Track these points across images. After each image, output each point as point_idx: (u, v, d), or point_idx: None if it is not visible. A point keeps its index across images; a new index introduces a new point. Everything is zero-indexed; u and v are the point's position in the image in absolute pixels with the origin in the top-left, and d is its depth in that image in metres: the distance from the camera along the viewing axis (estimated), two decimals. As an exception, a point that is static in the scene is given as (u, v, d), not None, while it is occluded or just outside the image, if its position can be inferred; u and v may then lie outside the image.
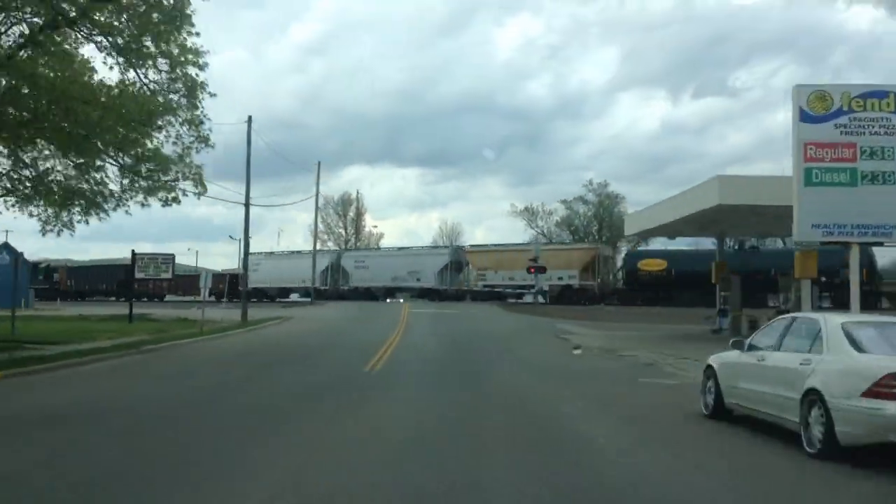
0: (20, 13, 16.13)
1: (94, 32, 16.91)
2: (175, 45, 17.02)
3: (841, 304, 35.83)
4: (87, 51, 18.25)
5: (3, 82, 16.73)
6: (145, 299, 57.16)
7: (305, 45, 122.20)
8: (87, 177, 18.87)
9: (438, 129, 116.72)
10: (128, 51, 16.58)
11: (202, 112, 18.45)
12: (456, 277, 58.33)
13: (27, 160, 19.65)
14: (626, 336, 27.80)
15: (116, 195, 19.33)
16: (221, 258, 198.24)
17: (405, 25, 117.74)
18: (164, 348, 20.95)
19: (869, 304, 33.85)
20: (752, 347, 9.30)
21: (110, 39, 16.81)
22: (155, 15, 16.72)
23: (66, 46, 17.20)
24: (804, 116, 16.29)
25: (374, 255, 64.98)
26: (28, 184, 19.67)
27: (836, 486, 6.71)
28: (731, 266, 47.24)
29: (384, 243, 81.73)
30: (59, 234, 20.11)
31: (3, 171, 19.65)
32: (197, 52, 17.39)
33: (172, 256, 36.19)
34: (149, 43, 16.98)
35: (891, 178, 16.13)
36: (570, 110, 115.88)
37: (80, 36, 17.44)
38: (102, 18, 16.67)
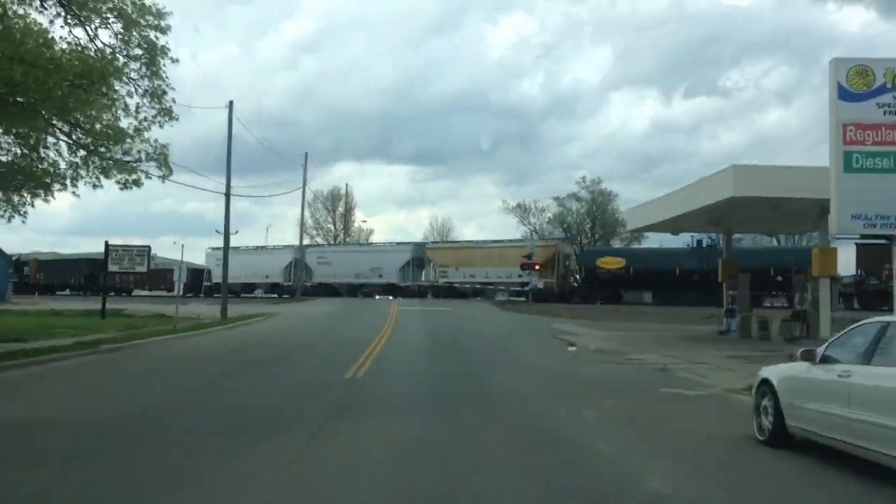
0: None
1: None
2: (129, 2, 14.80)
3: (864, 307, 34.38)
4: None
5: None
6: (112, 294, 55.15)
7: (298, 42, 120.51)
8: (27, 151, 16.48)
9: (431, 127, 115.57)
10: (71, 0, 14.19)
11: (166, 81, 16.41)
12: (418, 274, 58.44)
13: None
14: (626, 336, 26.26)
15: (63, 173, 16.98)
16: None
17: (398, 23, 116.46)
18: (125, 348, 19.06)
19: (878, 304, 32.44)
20: (826, 359, 7.54)
21: None
22: None
23: None
24: (843, 94, 14.64)
25: (337, 250, 64.66)
26: None
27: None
28: (691, 265, 46.60)
29: (373, 239, 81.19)
30: (9, 221, 17.97)
31: None
32: (159, 14, 15.21)
33: (148, 248, 33.92)
34: None
35: (940, 165, 14.53)
36: (563, 109, 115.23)
37: None
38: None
